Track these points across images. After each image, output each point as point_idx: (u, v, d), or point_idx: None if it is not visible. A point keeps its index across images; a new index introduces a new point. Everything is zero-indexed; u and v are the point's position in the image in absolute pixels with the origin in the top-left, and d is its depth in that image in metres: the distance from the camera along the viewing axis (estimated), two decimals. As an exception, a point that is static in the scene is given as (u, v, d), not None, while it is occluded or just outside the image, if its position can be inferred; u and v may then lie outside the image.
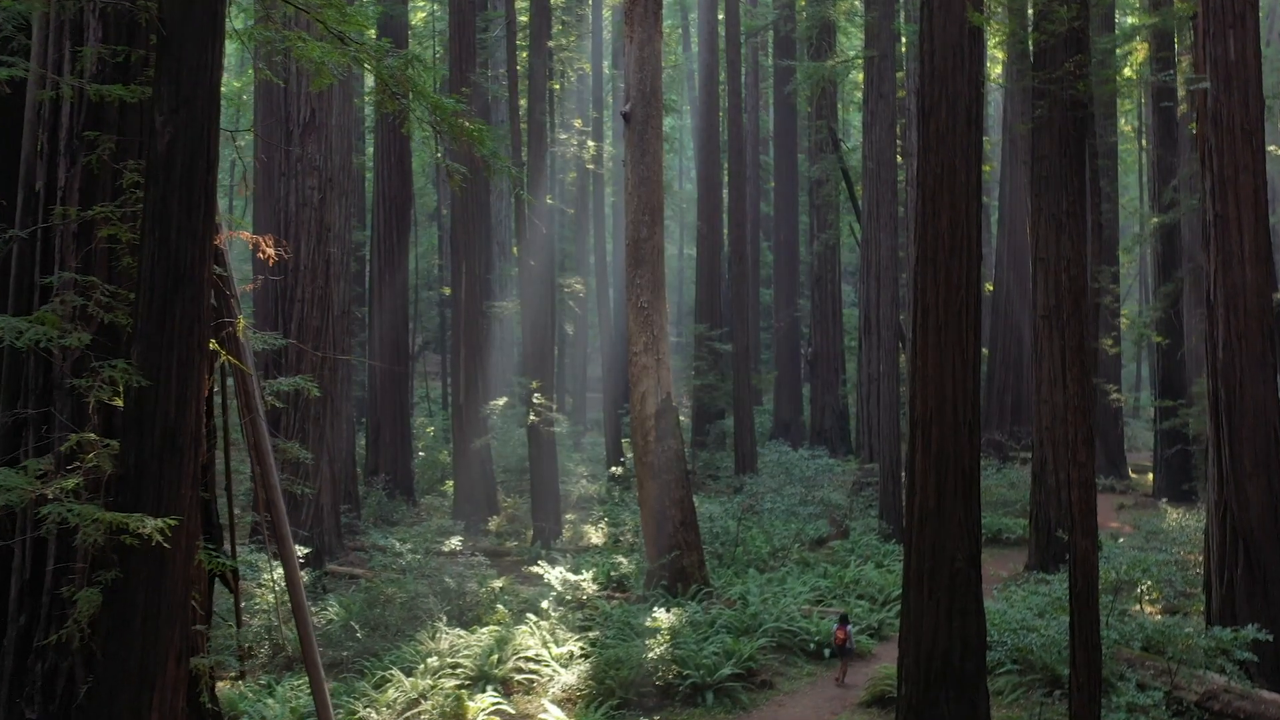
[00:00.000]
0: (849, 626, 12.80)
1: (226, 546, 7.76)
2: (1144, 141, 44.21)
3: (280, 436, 16.36)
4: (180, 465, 5.68)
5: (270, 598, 13.28)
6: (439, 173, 38.20)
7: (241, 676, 11.73)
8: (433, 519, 23.27)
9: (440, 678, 11.91)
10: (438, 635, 13.00)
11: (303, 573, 13.84)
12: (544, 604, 13.90)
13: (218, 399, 7.78)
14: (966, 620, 10.17)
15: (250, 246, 7.20)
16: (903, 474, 20.27)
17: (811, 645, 13.42)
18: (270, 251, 7.05)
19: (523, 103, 22.70)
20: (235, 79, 39.53)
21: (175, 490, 5.67)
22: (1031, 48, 16.21)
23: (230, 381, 7.71)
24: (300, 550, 13.83)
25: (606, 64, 40.06)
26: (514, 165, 20.88)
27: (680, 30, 45.77)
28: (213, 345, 6.40)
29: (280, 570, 7.69)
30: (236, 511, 8.97)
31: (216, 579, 7.20)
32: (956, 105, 10.25)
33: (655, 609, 13.40)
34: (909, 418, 10.59)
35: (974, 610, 10.25)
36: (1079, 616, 8.97)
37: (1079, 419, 8.93)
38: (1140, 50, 26.07)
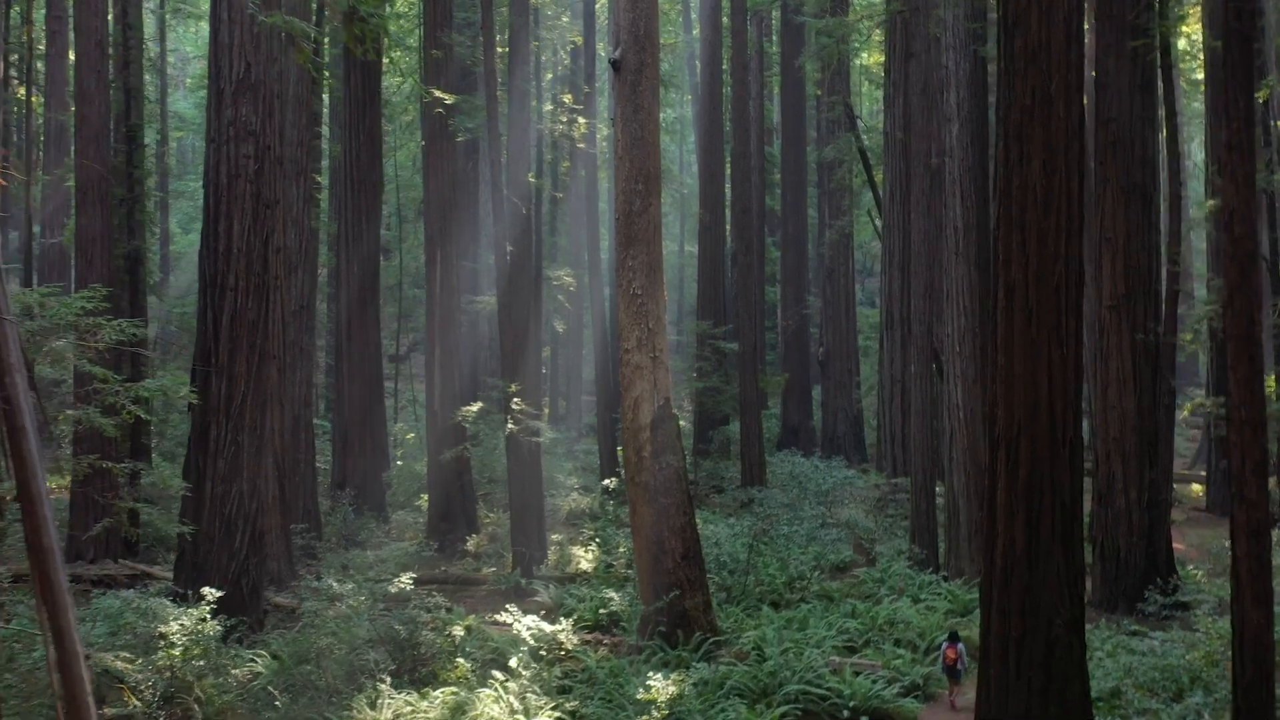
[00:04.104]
0: (959, 645, 11.00)
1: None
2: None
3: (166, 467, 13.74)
4: None
5: (175, 651, 10.67)
6: (425, 158, 35.60)
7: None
8: (404, 538, 20.64)
9: (375, 764, 9.33)
10: (380, 702, 10.38)
11: (215, 620, 11.27)
12: (513, 660, 11.26)
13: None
14: (1068, 706, 7.57)
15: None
16: (938, 486, 17.68)
17: (845, 712, 10.75)
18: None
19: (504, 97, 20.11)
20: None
21: None
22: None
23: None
24: (210, 594, 11.22)
25: (601, 45, 37.42)
26: (490, 136, 18.28)
27: (680, 10, 43.10)
28: None
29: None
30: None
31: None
32: (1053, 12, 7.65)
33: (650, 673, 10.74)
34: (988, 434, 7.99)
35: (1078, 692, 7.65)
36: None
37: (1248, 434, 6.29)
38: (1192, 14, 23.48)
